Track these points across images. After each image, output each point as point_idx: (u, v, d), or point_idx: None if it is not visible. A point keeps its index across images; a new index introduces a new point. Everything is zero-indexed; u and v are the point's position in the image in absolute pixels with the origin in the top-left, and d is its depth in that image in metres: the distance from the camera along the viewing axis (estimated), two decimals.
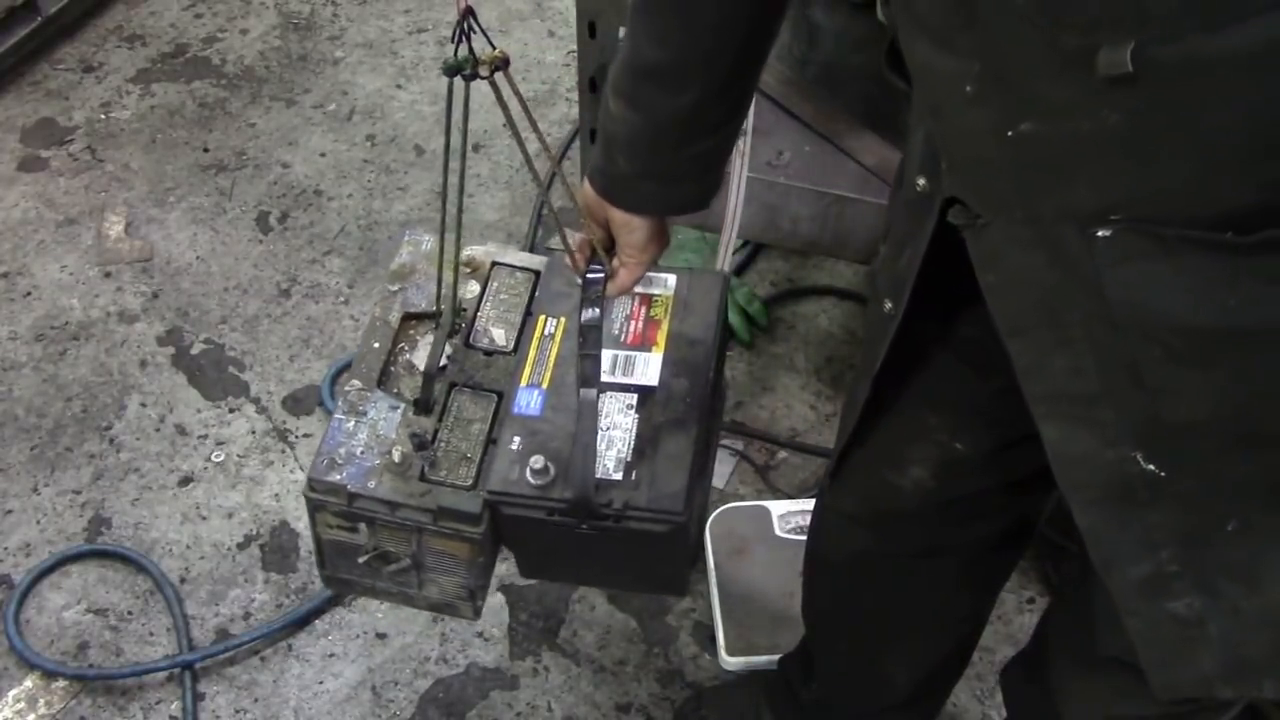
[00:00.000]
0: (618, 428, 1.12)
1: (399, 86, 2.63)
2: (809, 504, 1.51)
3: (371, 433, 1.16)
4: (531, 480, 1.09)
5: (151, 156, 2.47)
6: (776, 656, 1.57)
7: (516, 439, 1.12)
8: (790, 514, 1.80)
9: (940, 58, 0.76)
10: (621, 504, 1.07)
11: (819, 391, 2.06)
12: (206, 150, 2.48)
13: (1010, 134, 0.73)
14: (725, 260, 1.63)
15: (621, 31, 1.64)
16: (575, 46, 1.75)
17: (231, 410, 2.04)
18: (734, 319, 2.08)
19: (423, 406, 1.17)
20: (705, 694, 1.67)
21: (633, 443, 1.10)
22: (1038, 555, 1.80)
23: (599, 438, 1.10)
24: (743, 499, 1.88)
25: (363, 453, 1.14)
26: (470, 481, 1.13)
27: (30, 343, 2.13)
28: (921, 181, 0.92)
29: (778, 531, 1.79)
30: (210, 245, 2.30)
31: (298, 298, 2.22)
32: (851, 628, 1.36)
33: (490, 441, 1.15)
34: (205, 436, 2.00)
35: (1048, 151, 0.73)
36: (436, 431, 1.16)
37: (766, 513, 1.81)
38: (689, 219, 1.40)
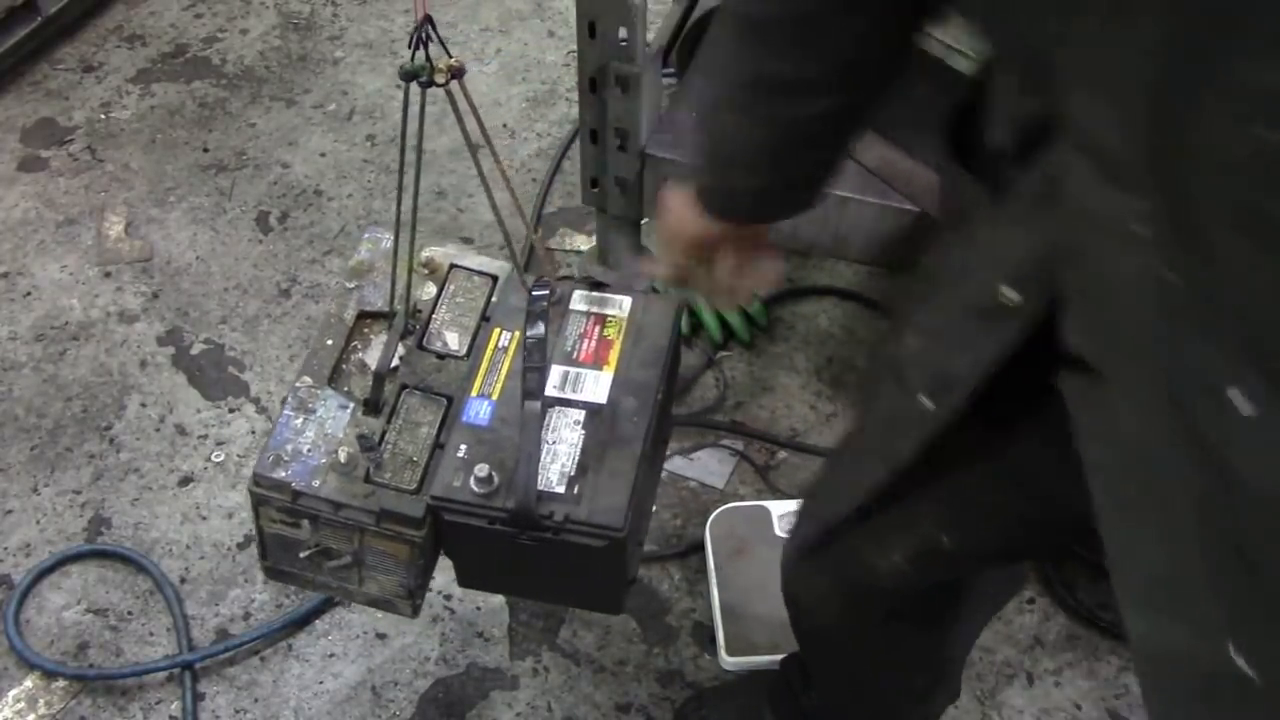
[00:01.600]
0: (563, 442, 1.12)
1: (399, 87, 2.62)
2: None
3: (319, 431, 1.16)
4: (475, 488, 1.09)
5: (151, 156, 2.47)
6: (777, 656, 1.57)
7: (463, 446, 1.12)
8: (790, 514, 1.80)
9: (1102, 189, 0.67)
10: (562, 516, 1.07)
11: (819, 391, 2.06)
12: (206, 150, 2.48)
13: (1163, 279, 0.65)
14: None
15: (622, 31, 1.65)
16: (575, 46, 1.75)
17: (231, 410, 2.04)
18: (734, 319, 2.08)
19: (372, 407, 1.17)
20: (705, 694, 1.67)
21: (577, 458, 1.11)
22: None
23: (544, 450, 1.11)
24: (743, 499, 1.88)
25: (309, 451, 1.14)
26: (415, 485, 1.13)
27: (30, 343, 2.13)
28: (1014, 295, 0.79)
29: (778, 531, 1.79)
30: (210, 245, 2.30)
31: (298, 298, 2.22)
32: (836, 663, 1.35)
33: (437, 446, 1.16)
34: (205, 436, 2.00)
35: (1196, 299, 0.64)
36: (384, 433, 1.16)
37: (766, 513, 1.82)
38: None
